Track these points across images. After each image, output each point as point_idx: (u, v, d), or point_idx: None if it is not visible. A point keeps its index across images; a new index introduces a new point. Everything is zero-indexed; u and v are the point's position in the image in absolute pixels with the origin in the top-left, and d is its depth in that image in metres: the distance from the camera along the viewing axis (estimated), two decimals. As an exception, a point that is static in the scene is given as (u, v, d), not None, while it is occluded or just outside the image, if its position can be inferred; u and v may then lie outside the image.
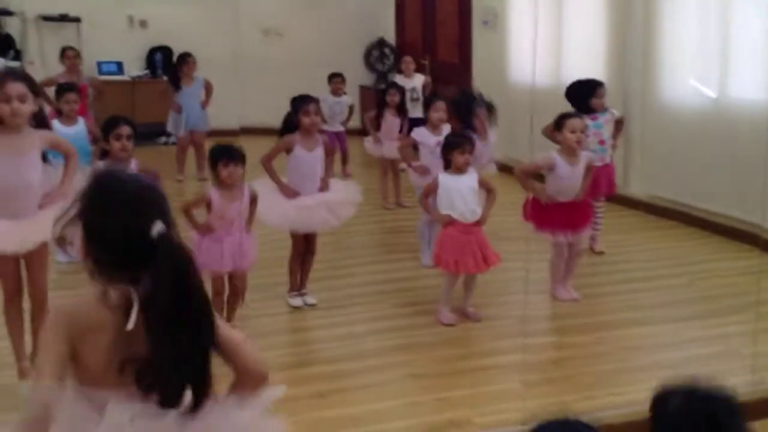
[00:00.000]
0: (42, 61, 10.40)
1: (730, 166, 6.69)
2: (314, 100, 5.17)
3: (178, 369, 1.79)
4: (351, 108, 8.77)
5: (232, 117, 10.36)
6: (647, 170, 7.73)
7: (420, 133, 6.17)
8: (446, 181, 4.90)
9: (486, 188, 4.98)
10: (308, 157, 5.05)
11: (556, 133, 5.14)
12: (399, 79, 8.80)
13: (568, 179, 5.13)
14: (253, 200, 4.63)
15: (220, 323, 1.93)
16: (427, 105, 6.35)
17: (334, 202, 5.14)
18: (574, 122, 5.09)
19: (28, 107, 3.53)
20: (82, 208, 1.86)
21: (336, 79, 8.70)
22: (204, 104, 8.78)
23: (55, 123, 5.75)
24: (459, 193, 4.87)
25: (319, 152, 5.10)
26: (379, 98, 7.94)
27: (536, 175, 5.33)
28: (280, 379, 4.15)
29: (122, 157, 4.60)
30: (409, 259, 6.06)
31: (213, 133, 9.21)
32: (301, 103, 5.05)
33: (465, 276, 5.00)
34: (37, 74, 9.63)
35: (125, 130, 4.60)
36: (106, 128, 4.66)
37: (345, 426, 3.71)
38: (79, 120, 6.05)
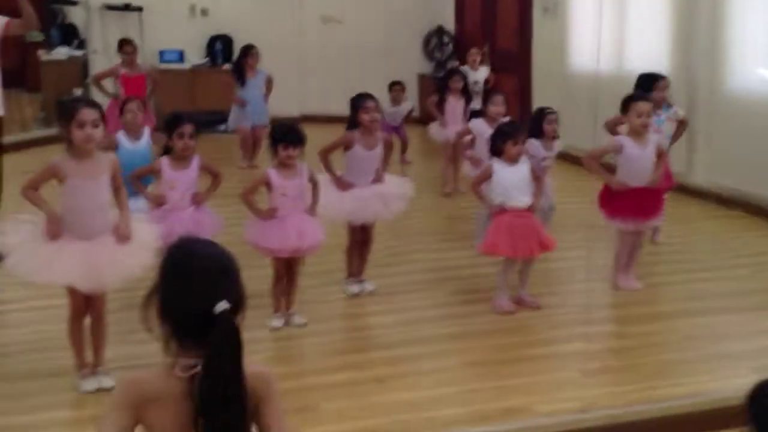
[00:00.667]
0: (105, 50, 10.53)
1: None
2: (373, 98, 5.16)
3: None
4: (409, 111, 8.74)
5: (292, 104, 10.44)
6: (712, 159, 7.57)
7: (477, 125, 6.17)
8: (501, 171, 4.86)
9: (534, 176, 4.94)
10: (367, 155, 5.03)
11: (623, 116, 5.06)
12: (464, 69, 8.70)
13: (637, 161, 5.03)
14: (315, 183, 4.65)
15: (276, 413, 1.98)
16: (486, 98, 6.33)
17: (387, 195, 5.12)
18: (641, 106, 4.98)
19: (100, 133, 3.69)
20: (157, 283, 1.96)
21: (396, 87, 8.64)
22: (266, 98, 8.84)
23: (121, 137, 5.58)
24: (513, 183, 4.83)
25: (379, 150, 5.09)
26: (441, 84, 7.91)
27: (609, 168, 5.23)
28: (339, 363, 4.23)
29: (185, 155, 4.66)
30: (466, 247, 6.03)
31: (273, 122, 9.29)
32: (360, 100, 5.03)
33: (521, 263, 4.96)
34: (101, 64, 9.88)
35: (188, 129, 4.62)
36: (169, 125, 4.68)
37: (404, 410, 3.71)
38: (144, 132, 5.70)
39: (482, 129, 6.08)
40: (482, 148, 6.03)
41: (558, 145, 5.83)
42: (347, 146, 5.04)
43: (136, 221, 3.94)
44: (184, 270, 1.94)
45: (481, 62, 8.97)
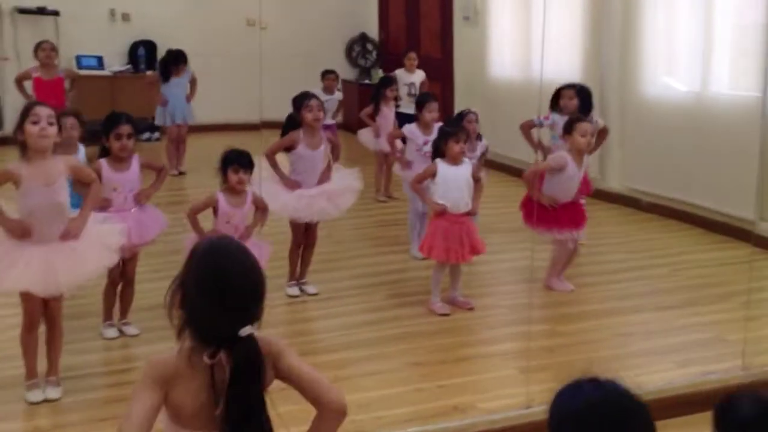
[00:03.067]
0: (17, 56, 10.16)
1: (708, 160, 6.87)
2: (316, 96, 5.26)
3: None
4: (340, 103, 8.82)
5: (216, 110, 10.37)
6: (625, 164, 7.88)
7: (410, 130, 6.28)
8: (444, 170, 5.01)
9: (474, 178, 5.11)
10: (312, 155, 5.14)
11: (567, 136, 5.27)
12: (400, 72, 8.77)
13: (573, 180, 5.28)
14: (264, 209, 4.65)
15: (295, 360, 2.12)
16: (420, 104, 6.35)
17: (334, 192, 5.24)
18: (584, 126, 5.23)
19: (54, 130, 3.65)
20: (183, 280, 2.01)
21: (330, 76, 8.66)
22: (189, 98, 8.83)
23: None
24: (456, 183, 4.99)
25: (323, 150, 5.19)
26: (376, 92, 8.02)
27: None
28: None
29: (123, 157, 4.52)
30: (399, 251, 6.19)
31: (197, 129, 9.27)
32: (303, 99, 5.14)
33: (450, 266, 5.12)
34: (12, 71, 9.53)
35: (126, 129, 4.47)
36: (106, 126, 4.51)
37: (353, 412, 3.69)
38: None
39: (415, 134, 6.21)
40: (412, 152, 6.19)
41: (482, 146, 6.05)
42: (291, 146, 5.12)
43: (100, 222, 3.93)
44: (215, 288, 1.97)
45: (418, 66, 9.06)
